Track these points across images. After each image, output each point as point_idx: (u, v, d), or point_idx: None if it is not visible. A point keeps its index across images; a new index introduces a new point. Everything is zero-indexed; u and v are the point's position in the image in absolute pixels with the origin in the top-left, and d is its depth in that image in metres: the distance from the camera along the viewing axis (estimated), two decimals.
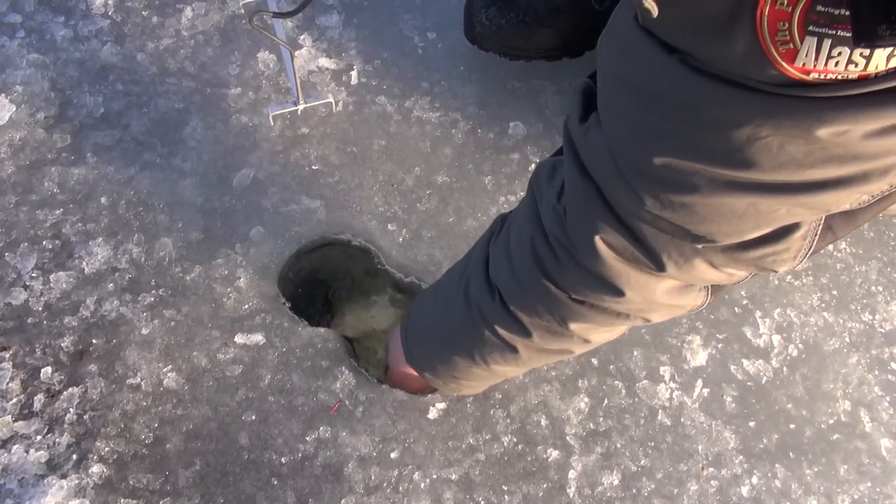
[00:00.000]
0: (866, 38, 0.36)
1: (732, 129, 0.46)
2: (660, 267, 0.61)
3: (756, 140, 0.46)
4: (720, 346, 1.18)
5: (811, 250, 0.58)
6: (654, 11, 0.44)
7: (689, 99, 0.48)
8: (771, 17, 0.40)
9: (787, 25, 0.40)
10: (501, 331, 0.79)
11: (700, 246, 0.58)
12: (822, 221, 0.57)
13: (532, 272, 0.71)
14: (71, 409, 1.07)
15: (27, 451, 1.03)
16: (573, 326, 0.74)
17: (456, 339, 0.87)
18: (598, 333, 0.77)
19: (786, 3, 0.39)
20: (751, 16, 0.41)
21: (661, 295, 0.66)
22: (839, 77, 0.41)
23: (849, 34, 0.38)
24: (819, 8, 0.39)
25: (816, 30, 0.40)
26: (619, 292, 0.66)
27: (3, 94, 1.26)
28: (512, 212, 0.79)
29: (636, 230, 0.60)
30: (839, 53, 0.40)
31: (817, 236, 0.57)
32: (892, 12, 0.34)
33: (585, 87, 0.63)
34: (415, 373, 1.01)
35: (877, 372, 1.18)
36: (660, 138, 0.52)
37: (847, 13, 0.38)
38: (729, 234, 0.55)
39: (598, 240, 0.62)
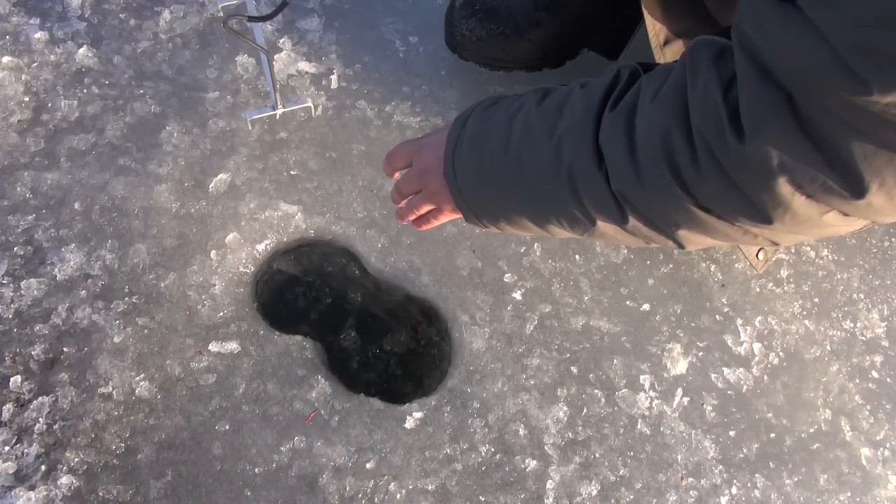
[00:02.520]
0: None
1: None
2: (860, 193, 0.50)
3: None
4: (701, 354, 1.17)
5: None
6: None
7: None
8: None
9: None
10: (589, 204, 0.66)
11: None
12: None
13: (657, 166, 0.59)
14: (41, 419, 1.05)
15: None
16: (682, 232, 0.63)
17: (524, 186, 0.71)
18: (703, 242, 0.66)
19: None
20: None
21: (815, 227, 0.56)
22: None
23: None
24: None
25: None
26: (767, 219, 0.55)
27: None
28: (644, 72, 0.66)
29: (841, 149, 0.48)
30: None
31: None
32: None
33: None
34: (443, 181, 0.81)
35: (857, 380, 1.18)
36: None
37: None
38: None
39: (782, 177, 0.52)
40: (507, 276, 1.19)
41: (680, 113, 0.57)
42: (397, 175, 0.90)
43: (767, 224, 0.56)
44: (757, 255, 1.17)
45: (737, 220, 0.58)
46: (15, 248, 1.15)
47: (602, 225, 0.67)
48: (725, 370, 1.16)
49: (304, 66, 1.33)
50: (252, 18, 1.06)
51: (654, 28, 0.90)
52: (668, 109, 0.58)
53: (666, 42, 0.90)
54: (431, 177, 0.81)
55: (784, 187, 0.52)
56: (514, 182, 0.71)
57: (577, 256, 1.21)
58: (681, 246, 0.66)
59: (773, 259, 1.22)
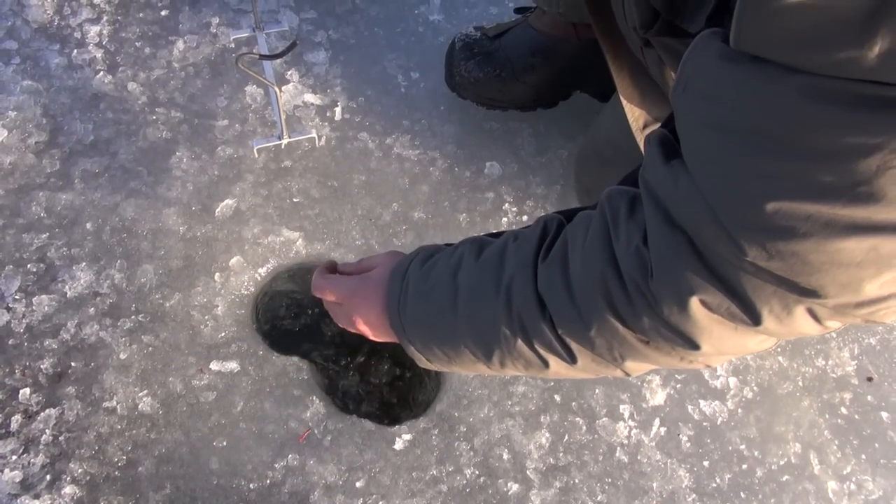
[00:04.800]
0: None
1: (859, 159, 0.42)
2: (756, 321, 0.56)
3: (887, 170, 0.42)
4: (679, 386, 1.23)
5: None
6: None
7: (806, 131, 0.44)
8: None
9: None
10: (540, 347, 0.71)
11: (809, 300, 0.53)
12: None
13: (598, 307, 0.65)
14: (47, 431, 1.10)
15: (2, 471, 1.06)
16: (628, 363, 0.69)
17: (476, 335, 0.75)
18: (648, 369, 0.72)
19: None
20: None
21: (737, 346, 0.62)
22: None
23: None
24: None
25: None
26: (695, 346, 0.61)
27: None
28: (567, 221, 0.73)
29: (734, 283, 0.54)
30: None
31: None
32: None
33: (662, 136, 0.59)
34: (387, 327, 0.84)
35: (827, 416, 1.23)
36: (767, 181, 0.48)
37: None
38: (844, 287, 0.50)
39: (693, 300, 0.57)
40: None
41: (610, 259, 0.63)
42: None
43: (696, 350, 0.62)
44: None
45: (673, 349, 0.64)
46: (28, 265, 1.20)
47: (554, 365, 0.73)
48: (702, 402, 1.22)
49: (309, 97, 1.40)
50: (263, 57, 1.12)
51: (634, 114, 0.93)
52: (599, 257, 0.64)
53: (645, 126, 0.93)
54: (370, 328, 0.85)
55: (699, 312, 0.58)
56: (468, 335, 0.76)
57: None
58: (627, 374, 0.72)
59: None
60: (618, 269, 0.63)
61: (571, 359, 0.70)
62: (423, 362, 0.84)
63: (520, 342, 0.72)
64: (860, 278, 0.49)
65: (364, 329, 0.86)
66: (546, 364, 0.73)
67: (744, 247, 0.51)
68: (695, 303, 0.57)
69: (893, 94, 0.40)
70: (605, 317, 0.65)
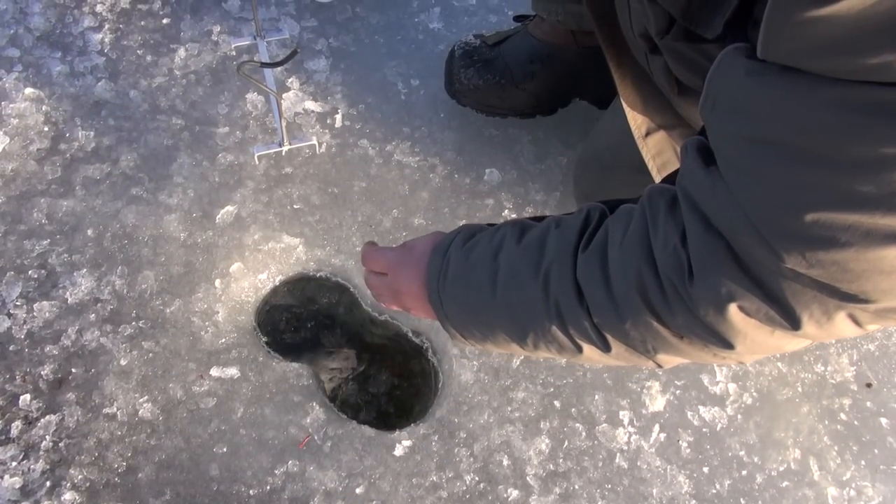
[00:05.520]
0: None
1: None
2: (796, 326, 0.56)
3: None
4: (678, 392, 1.23)
5: None
6: None
7: (841, 142, 0.45)
8: None
9: None
10: (575, 334, 0.72)
11: (850, 305, 0.53)
12: None
13: (634, 302, 0.65)
14: (47, 437, 1.10)
15: (1, 477, 1.06)
16: (661, 356, 0.70)
17: (512, 316, 0.76)
18: (679, 362, 0.73)
19: None
20: None
21: (771, 347, 0.63)
22: None
23: None
24: None
25: None
26: (729, 346, 0.62)
27: None
28: (609, 212, 0.73)
29: (774, 288, 0.55)
30: None
31: None
32: None
33: (699, 143, 0.60)
34: (422, 302, 0.85)
35: (827, 422, 1.24)
36: (803, 192, 0.48)
37: None
38: (886, 292, 0.50)
39: (732, 306, 0.58)
40: None
41: (647, 257, 0.64)
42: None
43: (731, 350, 0.62)
44: None
45: (706, 346, 0.65)
46: (29, 272, 1.21)
47: (588, 351, 0.73)
48: (701, 408, 1.22)
49: (310, 105, 1.41)
50: (264, 65, 1.13)
51: (636, 121, 0.93)
52: (637, 253, 0.64)
53: (648, 133, 0.94)
54: (410, 299, 0.86)
55: (736, 316, 0.58)
56: (505, 315, 0.76)
57: None
58: (659, 366, 0.73)
59: None
60: (655, 266, 0.63)
61: (606, 347, 0.71)
62: (457, 339, 0.84)
63: (555, 327, 0.72)
64: None
65: (406, 300, 0.87)
66: (580, 349, 0.73)
67: (783, 255, 0.51)
68: (733, 308, 0.58)
69: None
70: (641, 312, 0.65)
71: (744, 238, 0.54)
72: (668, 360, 0.71)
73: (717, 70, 0.54)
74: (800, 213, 0.48)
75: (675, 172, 0.66)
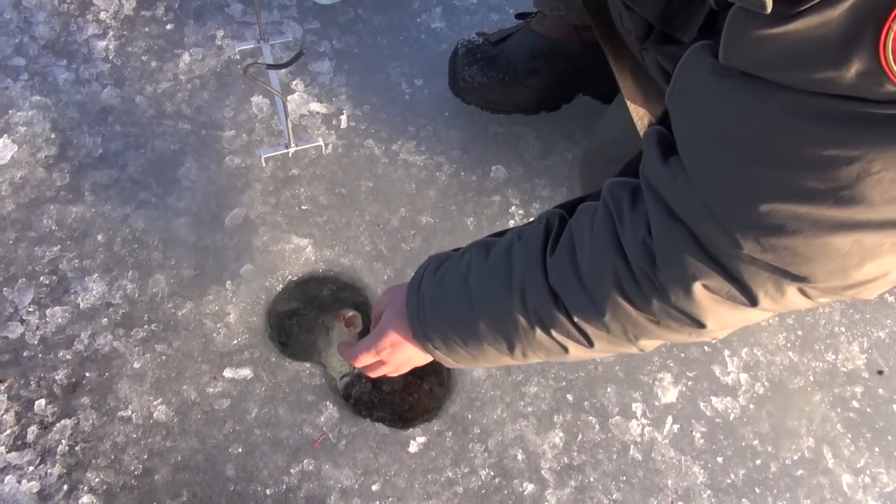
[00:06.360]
0: None
1: (841, 167, 0.48)
2: (753, 303, 0.62)
3: (867, 176, 0.47)
4: (690, 383, 1.23)
5: None
6: (768, 8, 0.45)
7: (792, 143, 0.50)
8: None
9: None
10: (559, 336, 0.75)
11: (800, 283, 0.59)
12: None
13: (609, 294, 0.69)
14: (63, 441, 1.10)
15: (19, 482, 1.06)
16: (642, 342, 0.73)
17: (496, 333, 0.79)
18: (659, 344, 0.77)
19: None
20: (873, 36, 0.43)
21: (739, 320, 0.68)
22: None
23: None
24: None
25: None
26: (701, 325, 0.67)
27: (5, 135, 1.31)
28: (567, 215, 0.77)
29: (733, 269, 0.60)
30: None
31: None
32: None
33: (659, 134, 0.64)
34: (410, 342, 0.88)
35: (839, 410, 1.24)
36: (759, 186, 0.53)
37: None
38: (832, 273, 0.56)
39: (697, 286, 0.62)
40: None
41: (618, 250, 0.68)
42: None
43: (703, 328, 0.67)
44: None
45: (682, 328, 0.69)
46: (41, 278, 1.21)
47: (574, 350, 0.77)
48: (714, 399, 1.22)
49: (315, 106, 1.41)
50: (270, 66, 1.14)
51: (638, 113, 0.96)
52: (607, 248, 0.68)
53: (650, 124, 0.96)
54: (411, 351, 0.89)
55: (702, 294, 0.63)
56: (488, 333, 0.80)
57: None
58: (642, 351, 0.77)
59: None
60: (626, 258, 0.67)
61: (589, 343, 0.75)
62: (449, 363, 0.88)
63: (539, 333, 0.76)
64: (846, 266, 0.55)
65: (411, 355, 0.90)
66: (566, 350, 0.77)
67: (740, 241, 0.57)
68: (698, 287, 0.63)
69: (868, 111, 0.45)
70: (618, 302, 0.69)
71: (704, 225, 0.59)
72: (650, 344, 0.75)
73: (685, 64, 0.59)
74: (755, 204, 0.54)
75: (632, 164, 0.70)
